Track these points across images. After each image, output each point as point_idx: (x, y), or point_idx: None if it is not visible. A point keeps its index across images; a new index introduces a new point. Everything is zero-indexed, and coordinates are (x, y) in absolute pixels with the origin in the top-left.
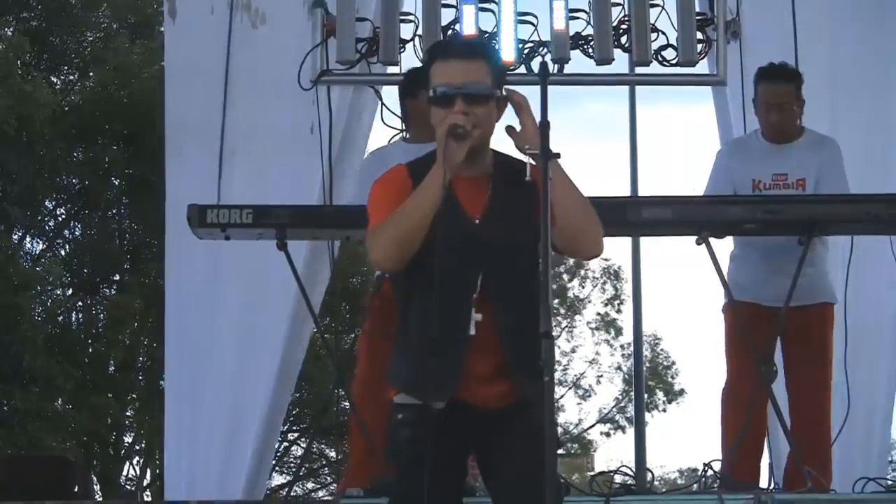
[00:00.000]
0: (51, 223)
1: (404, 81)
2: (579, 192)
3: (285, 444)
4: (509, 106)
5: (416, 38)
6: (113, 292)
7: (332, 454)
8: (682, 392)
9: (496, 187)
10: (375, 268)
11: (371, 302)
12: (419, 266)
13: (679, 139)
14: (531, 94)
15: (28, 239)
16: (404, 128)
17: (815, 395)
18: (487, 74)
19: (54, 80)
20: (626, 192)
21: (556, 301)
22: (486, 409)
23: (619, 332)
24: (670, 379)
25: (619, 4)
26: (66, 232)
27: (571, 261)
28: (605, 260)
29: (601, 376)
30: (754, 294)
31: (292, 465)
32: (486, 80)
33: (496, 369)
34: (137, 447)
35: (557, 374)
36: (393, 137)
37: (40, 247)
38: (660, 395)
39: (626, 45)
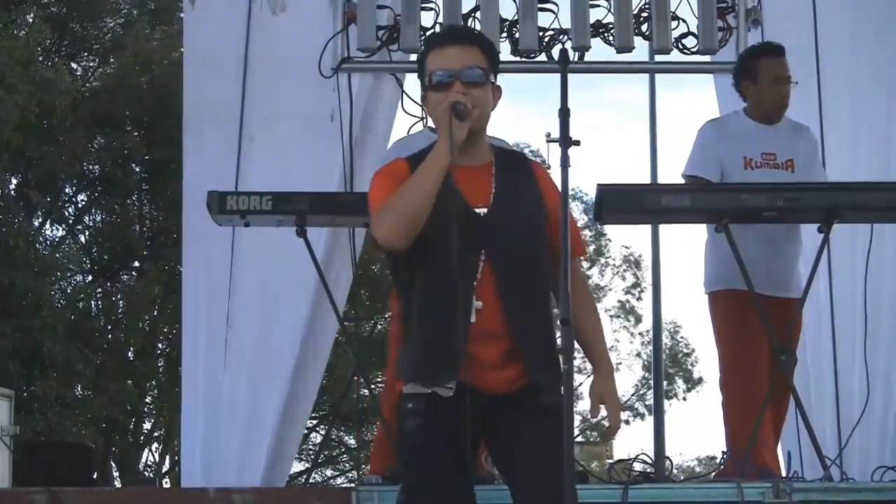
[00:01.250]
0: (71, 209)
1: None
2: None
3: (304, 430)
4: None
5: (437, 26)
6: (132, 278)
7: (351, 441)
8: (701, 380)
9: (500, 174)
10: (381, 245)
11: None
12: (420, 256)
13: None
14: (551, 81)
15: (48, 225)
16: (424, 116)
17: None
18: (483, 60)
19: (74, 66)
20: (647, 178)
21: None
22: (496, 394)
23: (638, 319)
24: (690, 367)
25: None
26: (87, 218)
27: (591, 248)
28: (626, 248)
29: (620, 364)
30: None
31: (311, 452)
32: (482, 65)
33: (504, 355)
34: (156, 434)
35: (577, 362)
36: (412, 125)
37: (60, 233)
38: (679, 382)
39: (647, 33)
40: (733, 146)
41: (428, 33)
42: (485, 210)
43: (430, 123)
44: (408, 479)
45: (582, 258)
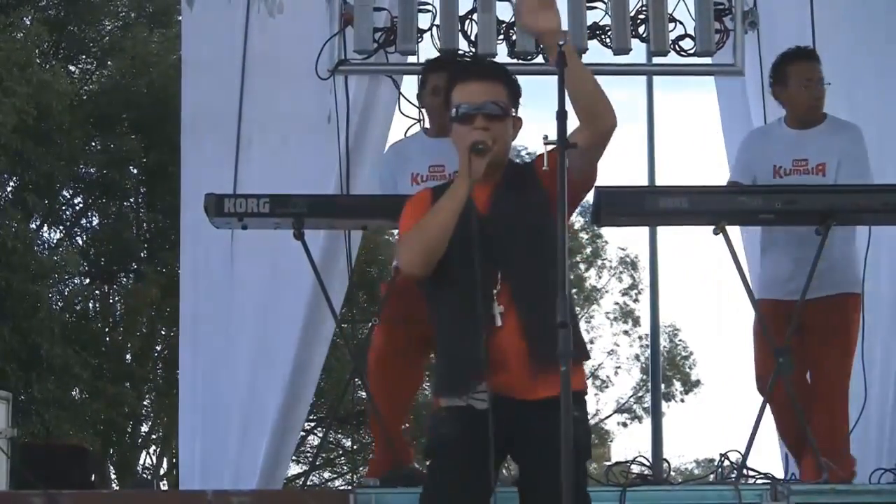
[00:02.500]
0: (68, 212)
1: (420, 78)
2: (589, 74)
3: (301, 433)
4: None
5: (434, 28)
6: (130, 281)
7: (349, 444)
8: (699, 382)
9: (501, 186)
10: (403, 272)
11: (387, 292)
12: (445, 275)
13: (700, 125)
14: (549, 83)
15: (46, 227)
16: (421, 118)
17: (835, 386)
18: (504, 95)
19: (72, 69)
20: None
21: (574, 291)
22: (525, 400)
23: (636, 322)
24: (688, 369)
25: None
26: (84, 221)
27: (588, 250)
28: (622, 249)
29: (619, 367)
30: (778, 289)
31: (308, 454)
32: (503, 100)
33: (528, 361)
34: (154, 436)
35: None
36: (409, 127)
37: (58, 235)
38: (677, 385)
39: (644, 35)
40: (766, 154)
41: (451, 66)
42: (485, 215)
43: (427, 125)
44: (432, 482)
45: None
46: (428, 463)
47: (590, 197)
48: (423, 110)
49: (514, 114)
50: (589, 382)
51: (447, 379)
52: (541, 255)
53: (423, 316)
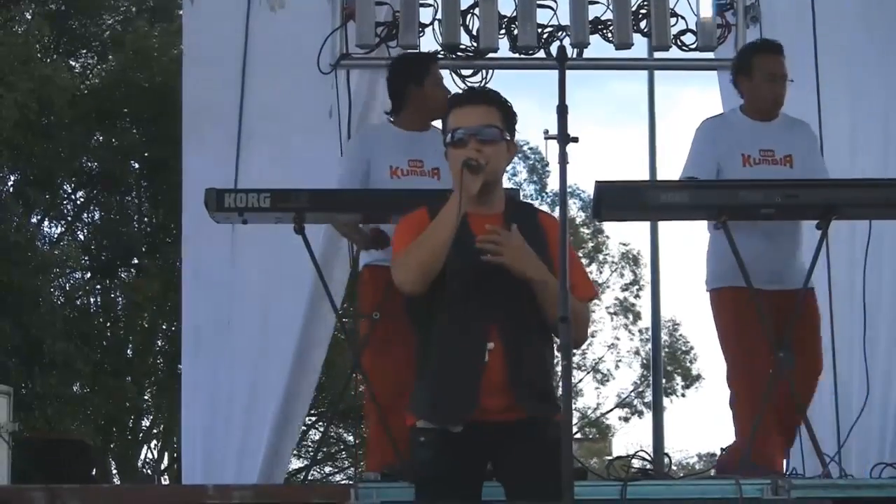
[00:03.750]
0: (69, 206)
1: (412, 67)
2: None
3: (302, 428)
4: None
5: (436, 22)
6: (131, 276)
7: (350, 438)
8: (699, 377)
9: (508, 223)
10: (399, 289)
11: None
12: (437, 297)
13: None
14: (550, 78)
15: (47, 222)
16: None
17: (807, 380)
18: (498, 119)
19: (74, 63)
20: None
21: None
22: (498, 422)
23: (637, 317)
24: (689, 364)
25: None
26: (85, 215)
27: (590, 245)
28: (624, 245)
29: (620, 361)
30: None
31: (310, 449)
32: (497, 123)
33: (507, 390)
34: (155, 431)
35: (576, 359)
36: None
37: (59, 230)
38: (678, 380)
39: (646, 30)
40: (731, 143)
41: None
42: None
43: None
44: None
45: (590, 300)
46: (416, 489)
47: (592, 191)
48: (408, 100)
49: (508, 139)
50: (589, 377)
51: (431, 406)
52: (531, 300)
53: (397, 310)
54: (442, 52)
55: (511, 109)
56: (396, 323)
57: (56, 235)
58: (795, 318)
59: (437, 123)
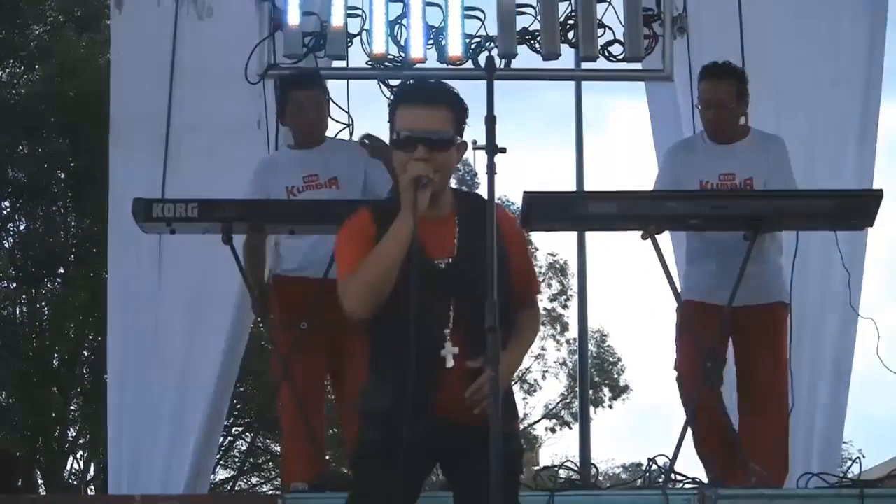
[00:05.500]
0: None
1: (277, 94)
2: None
3: (229, 438)
4: None
5: (364, 33)
6: (58, 286)
7: (277, 449)
8: (627, 388)
9: (463, 225)
10: (348, 314)
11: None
12: (388, 308)
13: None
14: (478, 88)
15: None
16: (350, 123)
17: (771, 394)
18: (449, 121)
19: (0, 73)
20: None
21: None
22: (455, 421)
23: (564, 327)
24: (616, 375)
25: (566, 0)
26: (11, 225)
27: None
28: (552, 255)
29: (547, 371)
30: (707, 294)
31: (237, 459)
32: (448, 127)
33: (463, 397)
34: (81, 441)
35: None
36: (339, 132)
37: None
38: (605, 391)
39: (573, 41)
40: (691, 170)
41: (399, 85)
42: (448, 261)
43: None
44: (359, 487)
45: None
46: (353, 469)
47: (519, 201)
48: (284, 122)
49: (459, 140)
50: (516, 388)
51: (382, 409)
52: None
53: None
54: (369, 62)
55: (463, 107)
56: (307, 331)
57: None
58: (757, 332)
59: (331, 132)
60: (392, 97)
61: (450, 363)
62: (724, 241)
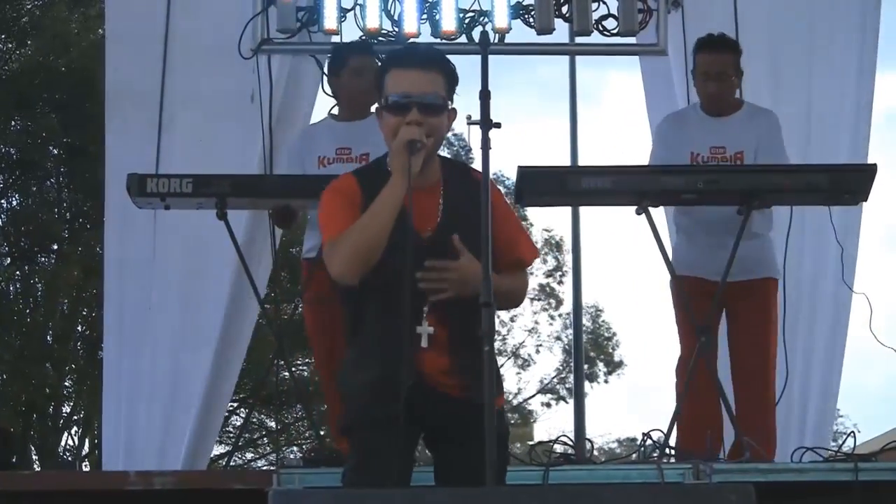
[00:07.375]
0: None
1: (332, 59)
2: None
3: (224, 413)
4: None
5: (357, 7)
6: (51, 262)
7: (272, 424)
8: (622, 363)
9: (448, 195)
10: (334, 278)
11: (308, 274)
12: (372, 279)
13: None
14: (472, 63)
15: None
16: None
17: (759, 369)
18: (442, 86)
19: None
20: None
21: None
22: (441, 394)
23: (559, 302)
24: (611, 350)
25: None
26: (3, 201)
27: None
28: (547, 231)
29: (541, 346)
30: (698, 269)
31: (231, 434)
32: (441, 92)
33: (450, 373)
34: (76, 417)
35: (497, 344)
36: (332, 107)
37: None
38: (600, 366)
39: (567, 15)
40: (683, 142)
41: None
42: (431, 233)
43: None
44: (355, 456)
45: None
46: (348, 438)
47: (514, 176)
48: (336, 91)
49: (450, 105)
50: (510, 362)
51: (365, 392)
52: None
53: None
54: (363, 37)
55: (454, 72)
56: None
57: None
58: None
59: (324, 106)
60: (383, 61)
61: (424, 343)
62: (713, 215)
